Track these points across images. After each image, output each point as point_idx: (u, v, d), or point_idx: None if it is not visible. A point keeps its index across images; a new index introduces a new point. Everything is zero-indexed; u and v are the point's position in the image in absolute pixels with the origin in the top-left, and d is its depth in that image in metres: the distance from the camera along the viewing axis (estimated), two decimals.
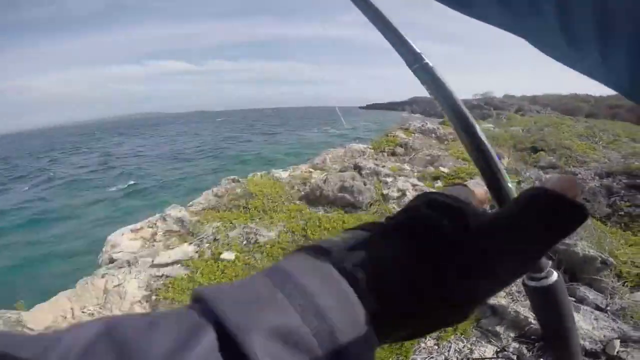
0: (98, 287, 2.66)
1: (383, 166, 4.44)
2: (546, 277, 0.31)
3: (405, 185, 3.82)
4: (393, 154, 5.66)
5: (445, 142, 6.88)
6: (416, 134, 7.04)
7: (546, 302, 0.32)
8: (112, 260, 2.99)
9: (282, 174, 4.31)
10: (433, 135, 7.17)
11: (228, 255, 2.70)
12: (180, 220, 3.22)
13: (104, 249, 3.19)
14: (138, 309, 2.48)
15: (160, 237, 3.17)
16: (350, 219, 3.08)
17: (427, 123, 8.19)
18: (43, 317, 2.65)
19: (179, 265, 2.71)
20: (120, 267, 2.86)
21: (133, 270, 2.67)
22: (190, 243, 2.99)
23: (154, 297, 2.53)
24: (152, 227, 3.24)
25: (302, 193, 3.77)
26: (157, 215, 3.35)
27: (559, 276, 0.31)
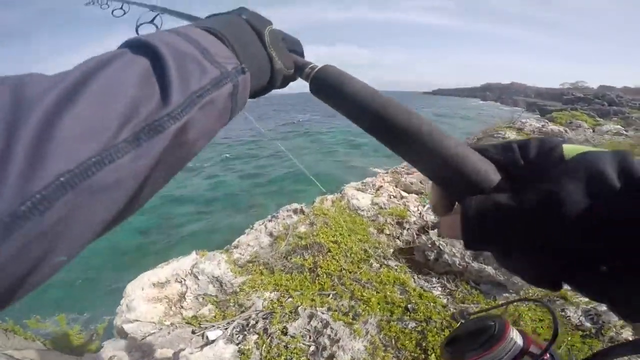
0: None
1: None
2: None
3: None
4: None
5: None
6: None
7: None
8: (122, 333, 2.09)
9: (361, 200, 2.98)
10: None
11: None
12: (217, 281, 2.15)
13: (122, 302, 2.29)
14: None
15: (191, 302, 2.14)
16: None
17: (547, 123, 5.97)
18: None
19: None
20: (130, 352, 1.92)
21: None
22: (231, 322, 1.90)
23: None
24: (180, 282, 2.24)
25: (399, 242, 2.42)
26: (188, 264, 2.33)
27: None
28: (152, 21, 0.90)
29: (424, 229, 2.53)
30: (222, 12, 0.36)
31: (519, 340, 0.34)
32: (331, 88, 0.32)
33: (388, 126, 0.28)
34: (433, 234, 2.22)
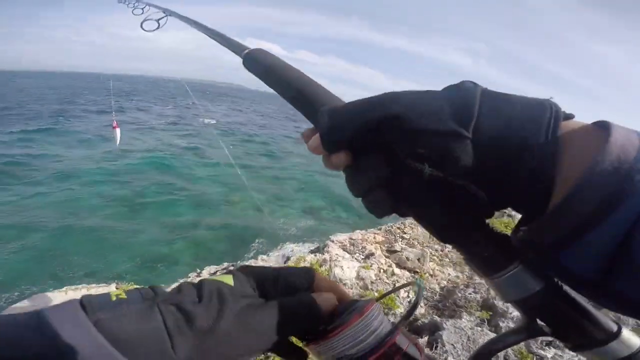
0: None
1: None
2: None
3: None
4: None
5: None
6: None
7: None
8: None
9: (346, 269, 2.52)
10: None
11: None
12: None
13: None
14: None
15: None
16: None
17: None
18: None
19: None
20: None
21: None
22: None
23: None
24: None
25: None
26: None
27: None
28: (158, 20, 1.03)
29: (409, 329, 2.08)
30: None
31: (385, 323, 0.29)
32: (260, 65, 0.40)
33: (299, 91, 0.34)
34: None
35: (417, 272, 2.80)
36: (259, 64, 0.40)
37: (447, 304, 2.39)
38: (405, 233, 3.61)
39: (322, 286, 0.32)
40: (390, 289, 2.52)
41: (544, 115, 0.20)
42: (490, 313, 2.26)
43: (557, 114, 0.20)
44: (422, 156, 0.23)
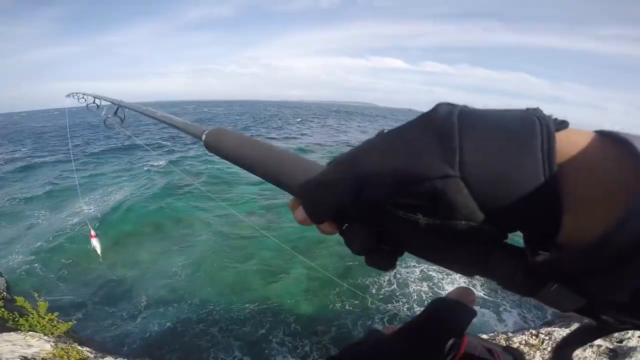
0: None
1: None
2: None
3: None
4: None
5: None
6: None
7: None
8: None
9: None
10: None
11: None
12: None
13: None
14: None
15: None
16: None
17: None
18: None
19: None
20: None
21: None
22: None
23: None
24: None
25: None
26: None
27: None
28: (115, 113, 1.14)
29: None
30: None
31: None
32: (221, 146, 0.40)
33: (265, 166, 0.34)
34: None
35: None
36: (220, 145, 0.40)
37: None
38: None
39: None
40: None
41: (533, 139, 0.18)
42: None
43: (548, 132, 0.18)
44: (413, 207, 0.21)
